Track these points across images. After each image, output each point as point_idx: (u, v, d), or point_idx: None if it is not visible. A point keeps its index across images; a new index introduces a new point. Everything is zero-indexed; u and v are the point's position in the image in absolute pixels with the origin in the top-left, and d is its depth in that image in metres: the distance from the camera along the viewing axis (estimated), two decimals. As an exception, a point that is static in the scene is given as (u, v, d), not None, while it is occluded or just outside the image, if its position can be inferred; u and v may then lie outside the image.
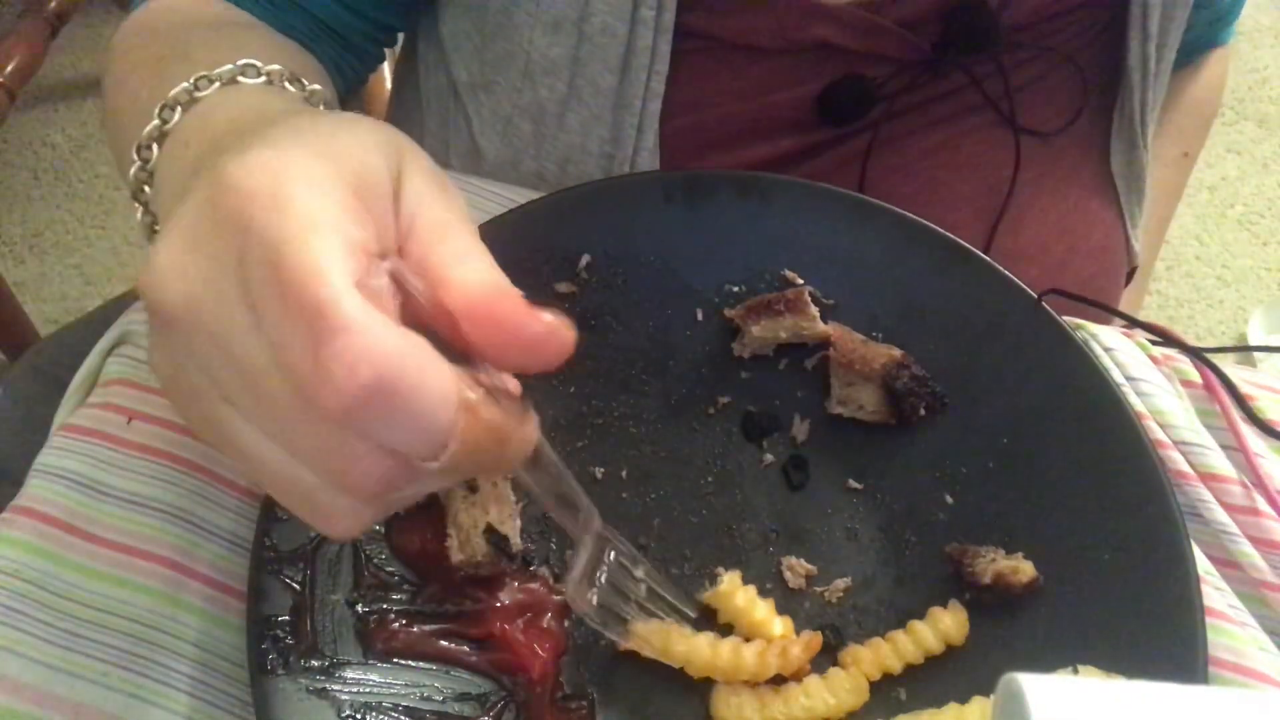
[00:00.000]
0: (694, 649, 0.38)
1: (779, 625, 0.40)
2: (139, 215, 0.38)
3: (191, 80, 0.37)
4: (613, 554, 0.37)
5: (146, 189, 0.38)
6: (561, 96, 0.52)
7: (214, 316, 0.24)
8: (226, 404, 0.25)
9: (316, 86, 0.40)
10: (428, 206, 0.27)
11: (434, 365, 0.24)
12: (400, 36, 0.61)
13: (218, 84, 0.37)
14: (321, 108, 0.39)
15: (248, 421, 0.25)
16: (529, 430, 0.27)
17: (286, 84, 0.39)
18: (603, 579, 0.37)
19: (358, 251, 0.24)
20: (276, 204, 0.24)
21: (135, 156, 0.37)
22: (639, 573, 0.39)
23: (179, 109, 0.37)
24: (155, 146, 0.37)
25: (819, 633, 0.40)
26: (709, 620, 0.41)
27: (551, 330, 0.26)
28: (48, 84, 1.52)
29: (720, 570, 0.42)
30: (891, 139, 0.55)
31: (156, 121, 0.37)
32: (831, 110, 0.54)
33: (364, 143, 0.27)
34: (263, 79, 0.38)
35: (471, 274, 0.26)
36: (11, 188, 1.45)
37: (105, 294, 1.38)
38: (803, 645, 0.39)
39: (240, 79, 0.37)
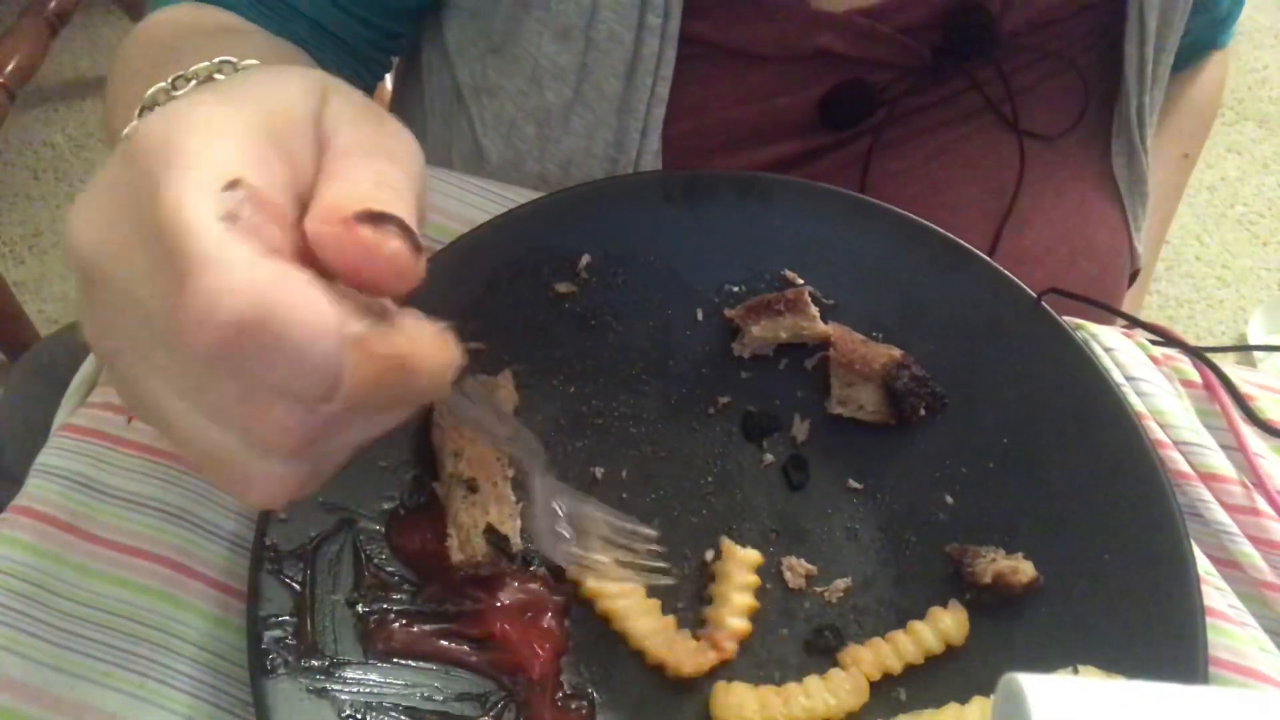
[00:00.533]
0: (640, 625, 0.39)
1: (735, 623, 0.41)
2: None
3: (169, 80, 0.37)
4: (564, 499, 0.37)
5: None
6: (567, 101, 0.52)
7: (117, 263, 0.24)
8: (142, 362, 0.24)
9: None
10: (339, 134, 0.26)
11: (307, 297, 0.22)
12: (405, 44, 0.61)
13: (194, 81, 0.37)
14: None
15: (159, 379, 0.24)
16: (442, 356, 0.25)
17: None
18: (564, 526, 0.37)
19: (238, 187, 0.23)
20: (164, 149, 0.23)
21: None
22: (593, 511, 0.38)
23: (156, 109, 0.37)
24: None
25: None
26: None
27: (387, 252, 0.23)
28: (48, 84, 1.52)
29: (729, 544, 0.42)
30: (893, 143, 0.55)
31: (135, 122, 0.37)
32: (833, 115, 0.54)
33: (279, 82, 0.26)
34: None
35: (338, 190, 0.24)
36: (11, 187, 1.45)
37: (105, 294, 1.38)
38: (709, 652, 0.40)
39: (216, 76, 0.37)
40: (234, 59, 0.37)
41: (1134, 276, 0.66)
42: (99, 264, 0.24)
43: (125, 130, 0.34)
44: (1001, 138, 0.57)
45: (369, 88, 0.57)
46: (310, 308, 0.22)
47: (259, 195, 0.23)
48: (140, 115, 0.37)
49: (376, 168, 0.25)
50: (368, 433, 0.25)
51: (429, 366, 0.24)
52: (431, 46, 0.59)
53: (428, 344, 0.24)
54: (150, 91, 0.36)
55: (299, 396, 0.23)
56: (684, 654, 0.40)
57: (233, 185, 0.23)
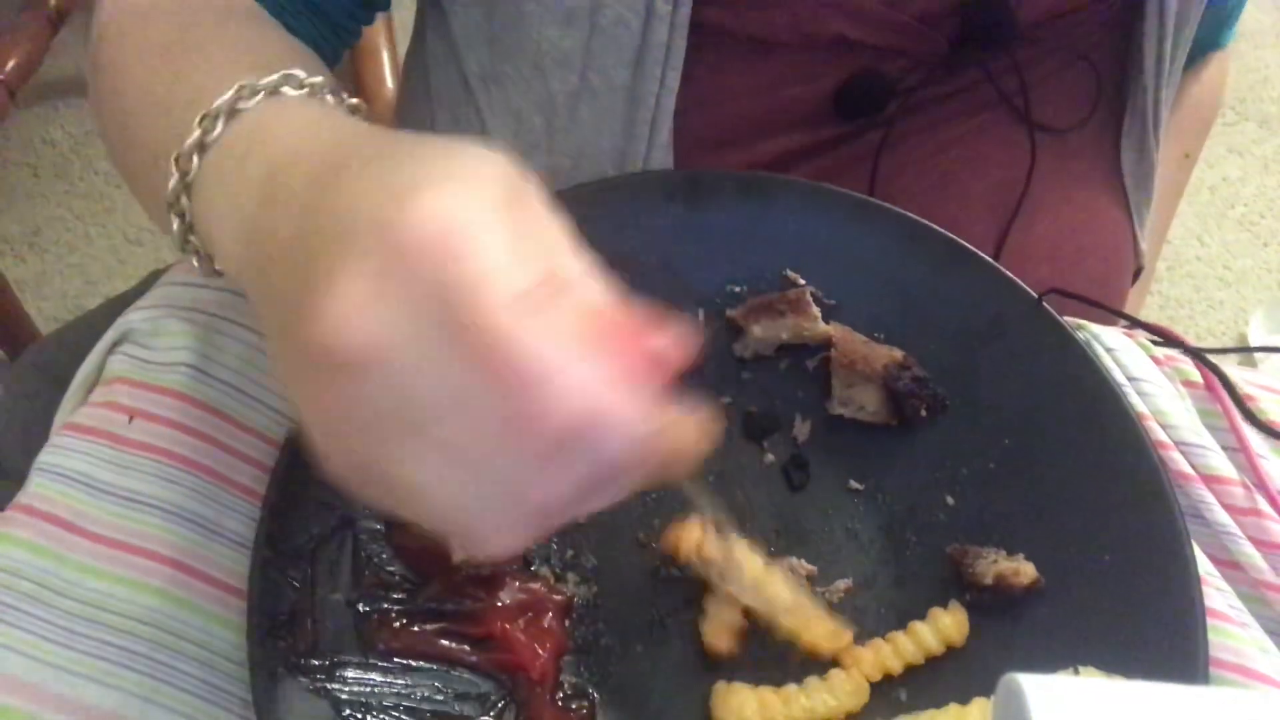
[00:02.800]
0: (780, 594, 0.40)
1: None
2: (174, 225, 0.38)
3: (234, 90, 0.36)
4: None
5: (183, 199, 0.37)
6: (573, 89, 0.52)
7: (404, 356, 0.25)
8: (400, 439, 0.26)
9: (354, 100, 0.40)
10: (550, 228, 0.29)
11: (628, 402, 0.26)
12: (403, 33, 0.60)
13: (261, 94, 0.37)
14: (376, 126, 0.39)
15: (427, 453, 0.26)
16: (699, 446, 0.29)
17: (329, 96, 0.38)
18: None
19: (530, 283, 0.25)
20: (465, 246, 0.25)
21: (173, 168, 0.37)
22: None
23: (221, 119, 0.36)
24: (196, 157, 0.36)
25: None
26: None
27: (673, 341, 0.27)
28: (48, 81, 1.52)
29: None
30: (905, 135, 0.55)
31: (198, 133, 0.36)
32: (847, 106, 0.54)
33: (501, 168, 0.28)
34: (304, 90, 0.38)
35: (588, 295, 0.27)
36: (11, 185, 1.45)
37: (106, 292, 1.38)
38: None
39: (283, 89, 0.37)
40: (299, 73, 0.38)
41: (1137, 274, 0.66)
42: (380, 357, 0.25)
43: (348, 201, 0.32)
44: (1013, 131, 0.57)
45: (339, 57, 0.57)
46: (630, 403, 0.26)
47: (553, 283, 0.26)
48: (202, 124, 0.36)
49: (583, 258, 0.28)
50: (602, 504, 0.28)
51: (691, 457, 0.28)
52: (437, 36, 0.58)
53: (692, 435, 0.28)
54: (217, 103, 0.36)
55: (591, 484, 0.26)
56: (822, 633, 0.40)
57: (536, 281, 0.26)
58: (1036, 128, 0.56)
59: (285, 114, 0.37)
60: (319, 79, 0.38)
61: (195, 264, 0.39)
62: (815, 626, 0.40)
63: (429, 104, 0.61)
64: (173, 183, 0.37)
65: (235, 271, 0.35)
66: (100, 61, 0.47)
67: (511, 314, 0.25)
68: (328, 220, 0.27)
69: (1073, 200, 0.59)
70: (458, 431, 0.25)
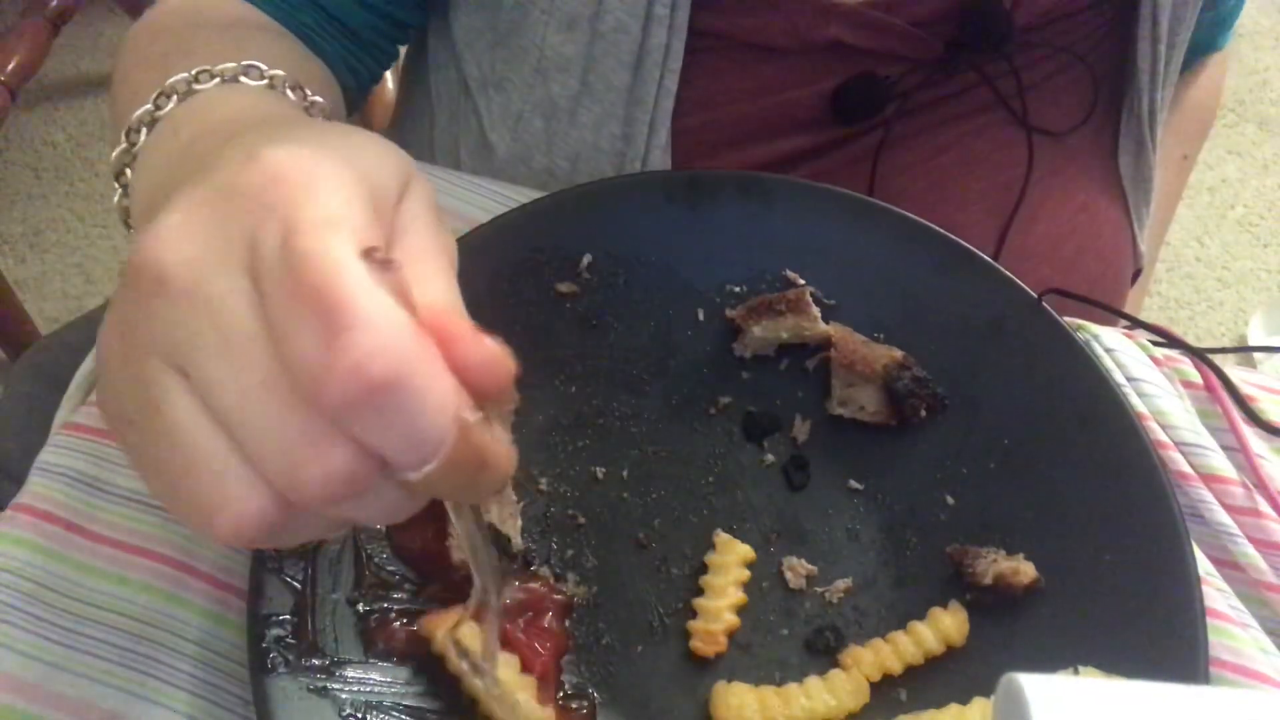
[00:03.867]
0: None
1: (728, 616, 0.40)
2: (115, 197, 0.38)
3: (192, 72, 0.37)
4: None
5: (128, 171, 0.38)
6: (574, 93, 0.52)
7: (211, 283, 0.24)
8: (173, 372, 0.24)
9: (318, 98, 0.40)
10: (417, 232, 0.27)
11: (443, 374, 0.23)
12: (412, 34, 0.61)
13: (218, 80, 0.37)
14: (320, 119, 0.39)
15: (192, 392, 0.24)
16: (509, 465, 0.26)
17: (289, 90, 0.39)
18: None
19: (372, 257, 0.24)
20: (306, 193, 0.24)
21: (123, 139, 0.37)
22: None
23: (174, 97, 0.37)
24: (144, 130, 0.37)
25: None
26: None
27: (495, 356, 0.24)
28: (49, 83, 1.52)
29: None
30: (903, 137, 0.55)
31: (149, 106, 0.37)
32: (844, 109, 0.54)
33: (381, 159, 0.27)
34: (264, 82, 0.38)
35: (431, 293, 0.25)
36: (13, 186, 1.45)
37: (106, 292, 1.38)
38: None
39: (242, 78, 0.37)
40: (261, 64, 0.38)
41: (1136, 275, 0.66)
42: (186, 278, 0.24)
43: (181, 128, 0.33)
44: (1010, 133, 0.57)
45: (376, 76, 0.57)
46: (443, 382, 0.23)
47: (393, 268, 0.24)
48: (156, 101, 0.37)
49: (451, 279, 0.26)
50: (366, 514, 0.25)
51: (499, 471, 0.25)
52: (438, 40, 0.59)
53: (505, 449, 0.25)
54: (171, 80, 0.36)
55: (392, 456, 0.23)
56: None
57: (368, 253, 0.24)
58: (1034, 130, 0.56)
59: (232, 96, 0.37)
60: (279, 73, 0.38)
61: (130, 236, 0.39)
62: None
63: (428, 106, 0.61)
64: (118, 151, 0.37)
65: (138, 224, 0.35)
66: (113, 78, 0.47)
67: (338, 250, 0.23)
68: (194, 173, 0.26)
69: (1071, 201, 0.59)
70: (233, 373, 0.23)
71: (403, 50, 0.61)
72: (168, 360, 0.24)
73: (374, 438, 0.23)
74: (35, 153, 1.49)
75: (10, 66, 0.95)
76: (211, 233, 0.24)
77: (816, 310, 0.45)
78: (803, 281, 0.47)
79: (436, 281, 0.26)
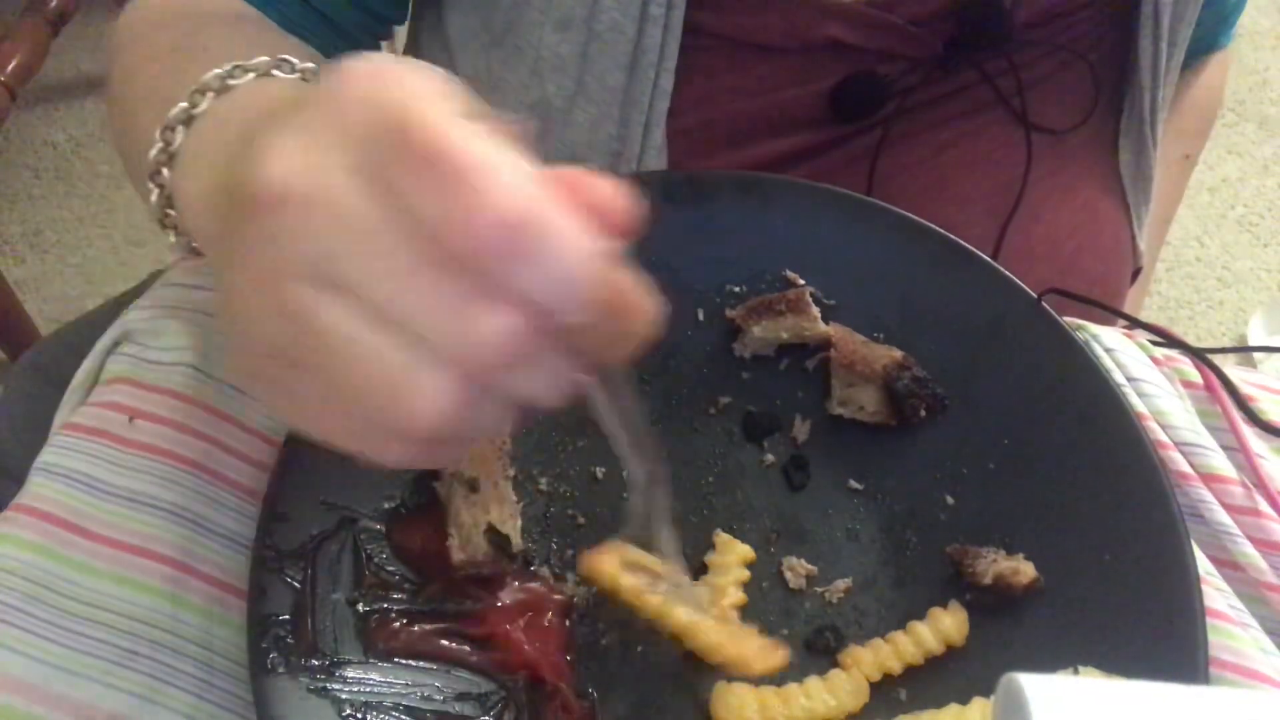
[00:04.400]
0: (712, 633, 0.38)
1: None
2: (153, 197, 0.38)
3: (226, 68, 0.37)
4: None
5: (165, 171, 0.38)
6: (569, 94, 0.52)
7: (333, 186, 0.24)
8: (319, 287, 0.24)
9: None
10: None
11: (574, 211, 0.24)
12: (395, 30, 0.61)
13: (252, 75, 0.37)
14: None
15: (346, 301, 0.24)
16: (651, 310, 0.26)
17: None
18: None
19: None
20: (403, 81, 0.24)
21: (158, 138, 0.37)
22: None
23: (209, 94, 0.37)
24: (181, 129, 0.37)
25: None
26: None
27: (613, 191, 0.25)
28: (49, 83, 1.52)
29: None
30: (902, 136, 0.55)
31: (185, 104, 0.37)
32: (843, 108, 0.54)
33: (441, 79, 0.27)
34: (297, 75, 0.38)
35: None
36: (12, 186, 1.45)
37: (106, 293, 1.38)
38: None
39: (275, 72, 0.38)
40: (292, 59, 0.38)
41: (1135, 275, 0.66)
42: (307, 187, 0.24)
43: (212, 89, 0.34)
44: (1010, 132, 0.57)
45: None
46: (574, 220, 0.24)
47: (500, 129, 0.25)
48: (191, 99, 0.37)
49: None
50: (541, 386, 0.26)
51: (643, 315, 0.26)
52: (432, 39, 0.58)
53: (644, 294, 0.26)
54: (206, 77, 0.36)
55: (540, 302, 0.24)
56: (751, 652, 0.38)
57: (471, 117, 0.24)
58: (1033, 129, 0.56)
59: (269, 88, 0.37)
60: (311, 65, 0.38)
61: (171, 239, 0.39)
62: (741, 646, 0.38)
63: None
64: (155, 151, 0.37)
65: (200, 228, 0.34)
66: (114, 70, 0.47)
67: (451, 118, 0.23)
68: (242, 143, 0.26)
69: (1071, 200, 0.59)
70: (381, 265, 0.23)
71: (389, 46, 0.61)
72: (310, 278, 0.24)
73: (528, 283, 0.24)
74: (35, 153, 1.49)
75: (10, 67, 0.95)
76: (318, 142, 0.24)
77: (816, 310, 0.45)
78: (803, 281, 0.47)
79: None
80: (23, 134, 1.49)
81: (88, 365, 0.45)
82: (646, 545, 0.36)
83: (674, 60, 0.51)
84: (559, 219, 0.23)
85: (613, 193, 0.25)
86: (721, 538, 0.42)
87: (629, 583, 0.37)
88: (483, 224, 0.23)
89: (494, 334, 0.24)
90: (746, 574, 0.42)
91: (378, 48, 0.58)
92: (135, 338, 0.44)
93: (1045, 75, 0.57)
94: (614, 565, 0.37)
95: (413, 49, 0.62)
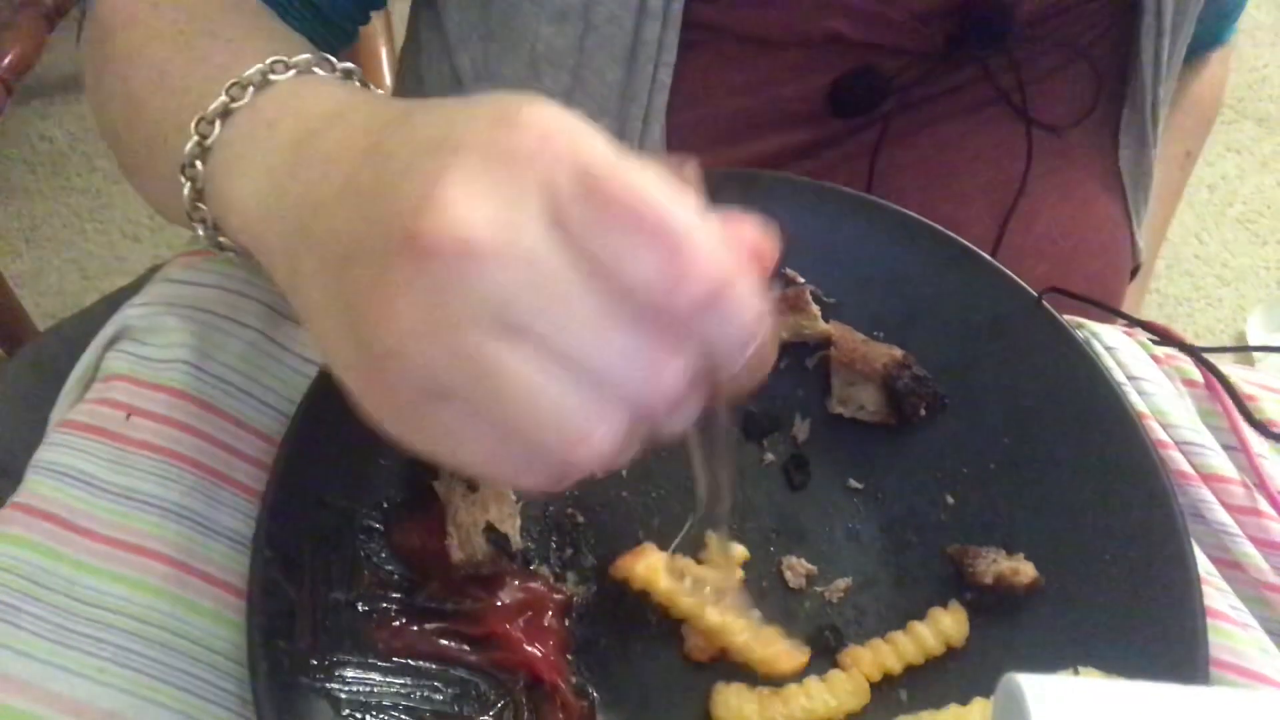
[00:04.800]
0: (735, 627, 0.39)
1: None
2: (185, 189, 0.38)
3: (267, 63, 0.37)
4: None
5: (198, 164, 0.37)
6: (566, 88, 0.52)
7: (519, 238, 0.25)
8: (501, 334, 0.25)
9: (381, 93, 0.40)
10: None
11: (752, 271, 0.26)
12: (400, 27, 0.60)
13: (294, 71, 0.37)
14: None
15: (527, 348, 0.25)
16: (773, 346, 0.28)
17: (357, 83, 0.39)
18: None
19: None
20: (585, 138, 0.25)
21: (193, 130, 0.37)
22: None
23: (250, 88, 0.36)
24: (218, 123, 0.37)
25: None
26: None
27: (767, 239, 0.28)
28: (45, 78, 1.52)
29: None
30: (902, 132, 0.55)
31: (224, 98, 0.36)
32: (843, 103, 0.54)
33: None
34: (338, 74, 0.38)
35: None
36: (8, 181, 1.45)
37: (103, 288, 1.37)
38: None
39: (316, 69, 0.38)
40: (331, 58, 0.38)
41: (1135, 272, 0.66)
42: (494, 238, 0.24)
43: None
44: (1011, 129, 0.56)
45: (336, 54, 0.57)
46: (754, 278, 0.26)
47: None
48: (229, 92, 0.36)
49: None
50: (681, 422, 0.28)
51: (769, 360, 0.29)
52: (431, 34, 0.58)
53: (769, 328, 0.27)
54: (248, 73, 0.36)
55: (718, 354, 0.26)
56: (779, 654, 0.39)
57: None
58: (1034, 125, 0.56)
59: (320, 87, 0.37)
60: (350, 65, 0.39)
61: (200, 233, 0.39)
62: (770, 648, 0.39)
63: (421, 99, 0.60)
64: (189, 145, 0.37)
65: (255, 229, 0.34)
66: (107, 50, 0.46)
67: (647, 179, 0.25)
68: (406, 150, 0.27)
69: (1070, 198, 0.59)
70: (570, 314, 0.25)
71: (384, 41, 0.61)
72: (492, 324, 0.25)
73: (713, 336, 0.25)
74: (31, 148, 1.48)
75: (6, 61, 0.95)
76: (501, 193, 0.25)
77: (816, 309, 0.45)
78: (802, 280, 0.47)
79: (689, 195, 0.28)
80: (19, 128, 1.49)
81: (85, 362, 0.45)
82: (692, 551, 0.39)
83: (673, 54, 0.51)
84: (744, 278, 0.25)
85: (763, 238, 0.27)
86: (711, 539, 0.42)
87: (666, 585, 0.39)
88: (691, 287, 0.24)
89: (675, 382, 0.25)
90: (741, 574, 0.42)
91: (355, 36, 0.57)
92: (133, 334, 0.44)
93: (1046, 71, 0.57)
94: (651, 567, 0.39)
95: (411, 43, 0.62)
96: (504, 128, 0.25)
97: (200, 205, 0.38)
